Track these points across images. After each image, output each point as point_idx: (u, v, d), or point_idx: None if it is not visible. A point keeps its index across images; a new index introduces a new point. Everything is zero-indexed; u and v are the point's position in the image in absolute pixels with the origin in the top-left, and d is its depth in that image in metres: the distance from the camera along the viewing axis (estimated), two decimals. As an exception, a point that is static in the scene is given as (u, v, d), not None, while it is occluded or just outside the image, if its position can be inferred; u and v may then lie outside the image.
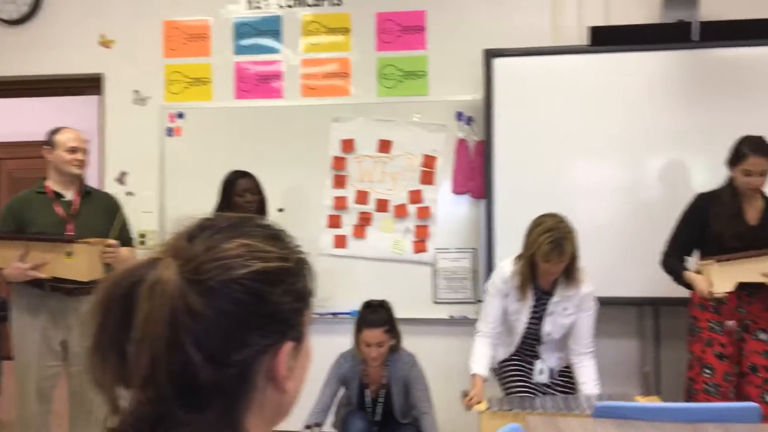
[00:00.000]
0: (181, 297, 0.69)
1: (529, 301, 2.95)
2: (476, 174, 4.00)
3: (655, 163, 3.79)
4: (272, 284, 0.75)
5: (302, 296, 0.79)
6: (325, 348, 3.79)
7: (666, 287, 3.65)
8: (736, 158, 3.03)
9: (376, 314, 3.13)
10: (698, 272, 3.08)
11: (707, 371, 3.00)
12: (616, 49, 3.75)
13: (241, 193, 3.49)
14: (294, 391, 0.79)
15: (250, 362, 0.73)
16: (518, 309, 2.97)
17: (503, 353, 3.08)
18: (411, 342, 3.89)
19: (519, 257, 2.94)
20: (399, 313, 3.88)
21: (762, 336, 3.03)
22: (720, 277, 2.93)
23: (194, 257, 0.73)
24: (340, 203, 4.11)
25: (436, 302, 4.05)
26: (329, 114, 4.12)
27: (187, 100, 4.29)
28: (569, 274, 2.87)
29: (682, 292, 3.62)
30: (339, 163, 4.12)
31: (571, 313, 2.95)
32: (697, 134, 3.71)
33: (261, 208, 3.56)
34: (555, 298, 2.93)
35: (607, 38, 3.73)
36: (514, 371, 3.05)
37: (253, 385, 0.75)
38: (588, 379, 2.91)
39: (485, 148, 3.89)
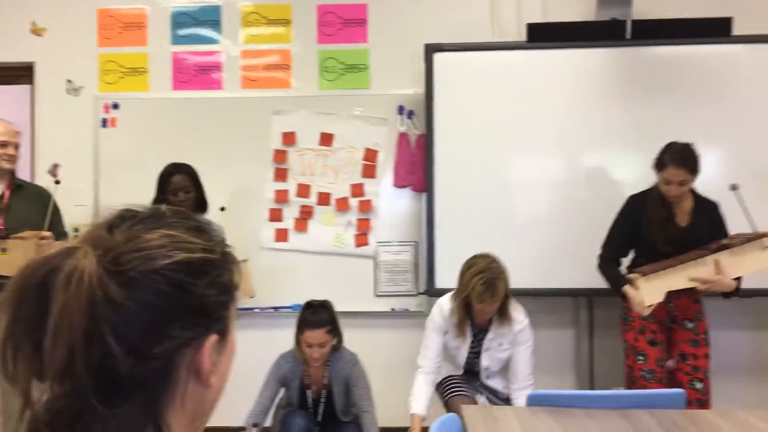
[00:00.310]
0: (101, 287, 0.67)
1: (468, 338, 3.04)
2: (417, 168, 4.02)
3: (592, 158, 3.88)
4: (196, 276, 0.73)
5: (227, 289, 0.77)
6: (267, 342, 3.80)
7: (600, 279, 3.75)
8: (657, 165, 3.07)
9: (317, 315, 3.11)
10: (629, 283, 3.10)
11: (641, 358, 3.10)
12: (552, 46, 3.82)
13: (173, 191, 3.41)
14: (218, 386, 0.78)
15: (172, 355, 0.72)
16: (458, 345, 3.07)
17: (447, 372, 3.18)
18: (353, 335, 3.89)
19: (455, 295, 3.01)
20: (340, 306, 3.88)
21: (689, 325, 3.14)
22: (648, 290, 2.98)
23: (114, 247, 0.71)
24: (282, 197, 4.08)
25: (378, 295, 4.07)
26: (270, 106, 4.08)
27: (122, 90, 4.18)
28: (502, 312, 2.96)
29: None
30: (280, 156, 4.09)
31: (507, 348, 3.04)
32: (631, 130, 3.81)
33: (198, 204, 3.49)
34: (490, 335, 3.02)
35: (544, 35, 3.81)
36: (458, 381, 3.13)
37: (176, 379, 0.73)
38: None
39: (426, 141, 3.91)
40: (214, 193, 4.06)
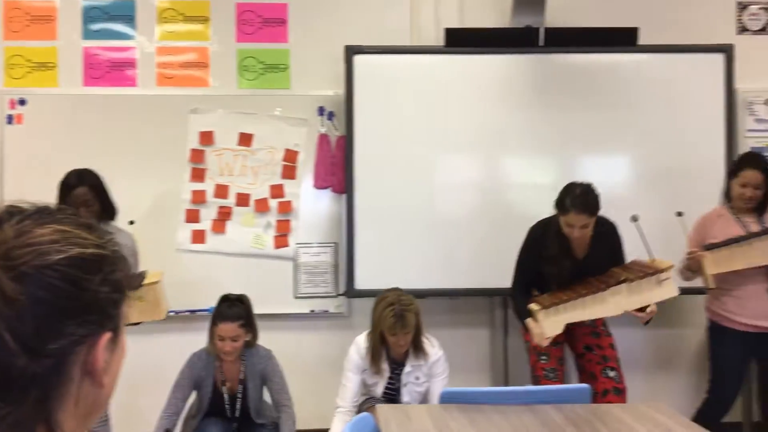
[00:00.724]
0: None
1: (386, 373, 3.07)
2: (338, 169, 4.02)
3: (508, 161, 3.98)
4: (89, 272, 0.72)
5: (120, 287, 0.76)
6: (183, 347, 3.72)
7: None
8: (559, 208, 3.06)
9: (232, 308, 3.10)
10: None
11: (543, 357, 3.18)
12: (469, 51, 3.90)
13: (75, 206, 3.09)
14: (110, 385, 0.77)
15: (66, 353, 0.70)
16: (376, 381, 3.08)
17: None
18: (272, 337, 3.86)
19: (370, 333, 3.06)
20: (259, 308, 3.84)
21: (587, 322, 3.24)
22: (548, 323, 3.00)
23: (3, 242, 0.69)
24: (199, 197, 4.00)
25: (297, 297, 4.04)
26: (187, 105, 3.99)
27: (29, 85, 4.00)
28: (416, 345, 3.03)
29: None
30: (197, 156, 4.01)
31: (424, 381, 3.07)
32: (545, 134, 3.93)
33: (104, 214, 3.25)
34: (407, 369, 3.06)
35: (461, 40, 3.88)
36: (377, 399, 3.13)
37: (69, 378, 0.71)
38: None
39: (346, 143, 3.92)
40: (128, 195, 3.95)
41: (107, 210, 3.30)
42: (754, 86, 4.20)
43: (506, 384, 3.96)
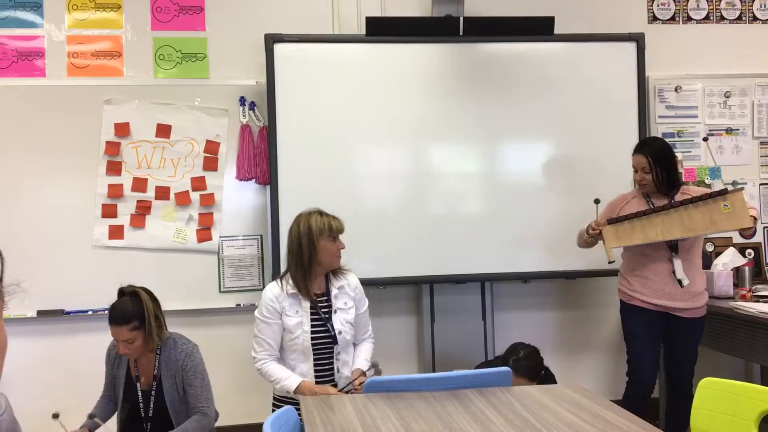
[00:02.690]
0: None
1: (307, 303, 2.84)
2: (261, 160, 3.96)
3: (431, 150, 4.00)
4: None
5: None
6: (102, 346, 3.60)
7: (439, 266, 3.91)
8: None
9: (120, 308, 2.80)
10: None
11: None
12: (390, 40, 3.90)
13: None
14: None
15: None
16: (299, 321, 2.82)
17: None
18: (198, 333, 3.77)
19: (283, 276, 2.90)
20: (184, 304, 3.79)
21: None
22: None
23: None
24: (115, 191, 3.87)
25: (223, 291, 3.97)
26: (100, 95, 3.85)
27: (-72, 76, 3.77)
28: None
29: (453, 271, 3.91)
30: (113, 148, 3.87)
31: (351, 307, 2.92)
32: (468, 124, 3.97)
33: None
34: (334, 292, 2.89)
35: (382, 29, 3.87)
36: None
37: None
38: (360, 356, 2.93)
39: (269, 133, 3.86)
40: (39, 190, 3.80)
41: None
42: (665, 74, 4.37)
43: (434, 370, 4.00)
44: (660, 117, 4.39)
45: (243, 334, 4.00)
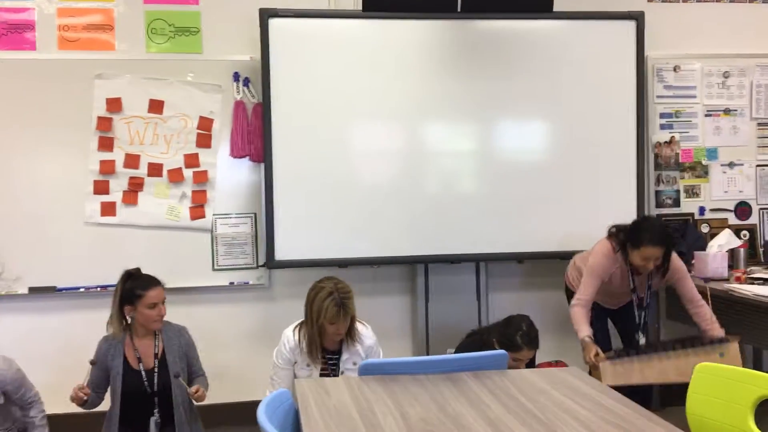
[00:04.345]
0: None
1: (319, 364, 2.98)
2: (255, 137, 3.91)
3: (428, 128, 3.94)
4: None
5: None
6: (95, 323, 3.58)
7: (434, 246, 3.89)
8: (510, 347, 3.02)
9: (148, 276, 3.10)
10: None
11: None
12: (387, 16, 3.83)
13: None
14: None
15: None
16: (309, 374, 2.98)
17: None
18: (191, 311, 3.81)
19: (302, 324, 3.01)
20: (176, 282, 3.76)
21: None
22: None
23: None
24: (107, 167, 3.82)
25: (216, 269, 3.94)
26: (91, 70, 3.78)
27: None
28: (350, 331, 2.98)
29: (448, 251, 3.90)
30: (104, 123, 3.81)
31: None
32: (465, 101, 3.92)
33: None
34: (344, 356, 2.99)
35: (379, 4, 3.80)
36: None
37: None
38: None
39: (263, 110, 3.81)
40: (30, 166, 3.75)
41: None
42: (664, 53, 4.32)
43: (428, 350, 4.00)
44: (658, 97, 4.36)
45: (237, 312, 4.00)
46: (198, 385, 3.03)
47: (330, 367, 3.00)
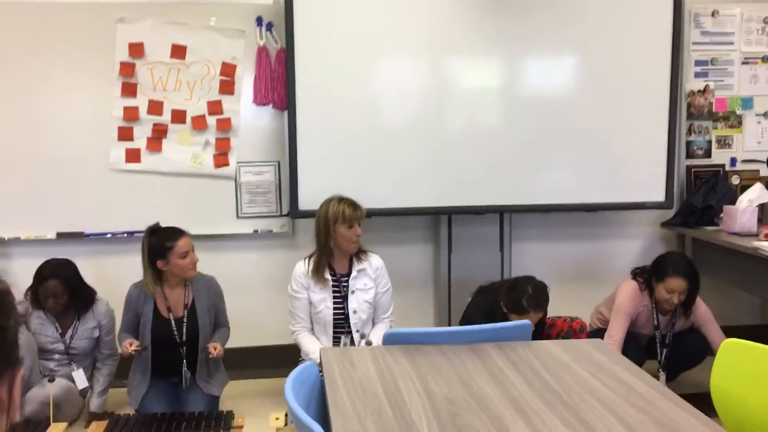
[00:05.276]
0: None
1: (330, 283, 3.15)
2: (278, 84, 3.85)
3: (457, 63, 3.82)
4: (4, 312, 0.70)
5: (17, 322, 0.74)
6: (121, 268, 3.66)
7: (458, 197, 3.86)
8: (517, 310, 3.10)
9: (174, 228, 3.20)
10: None
11: None
12: (414, -46, 3.69)
13: (44, 297, 3.25)
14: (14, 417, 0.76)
15: None
16: (323, 297, 3.14)
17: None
18: (215, 258, 3.85)
19: (311, 255, 3.21)
20: (201, 230, 3.80)
21: None
22: None
23: None
24: (131, 114, 3.80)
25: (240, 217, 3.96)
26: (113, 13, 3.71)
27: (-65, -9, 3.64)
28: (357, 252, 3.21)
29: (472, 202, 3.87)
30: (127, 69, 3.77)
31: (371, 287, 3.18)
32: (496, 37, 3.80)
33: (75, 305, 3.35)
34: (353, 274, 3.16)
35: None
36: None
37: None
38: (374, 338, 3.16)
39: (287, 56, 3.73)
40: (53, 112, 3.74)
41: (80, 300, 3.29)
42: (702, -4, 4.15)
43: (449, 300, 4.03)
44: (694, 44, 4.21)
45: (261, 260, 4.04)
46: (216, 343, 3.10)
47: (342, 287, 3.15)
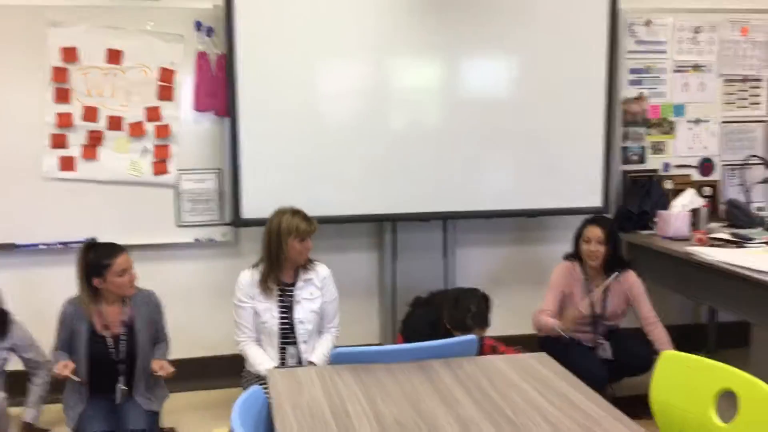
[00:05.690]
0: None
1: (275, 293, 3.10)
2: (219, 90, 3.78)
3: (401, 67, 3.82)
4: None
5: None
6: (56, 280, 3.53)
7: (402, 203, 3.87)
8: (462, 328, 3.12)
9: (115, 244, 3.05)
10: None
11: None
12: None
13: None
14: None
15: None
16: (268, 307, 3.10)
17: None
18: (155, 268, 3.76)
19: (256, 264, 3.16)
20: (140, 239, 3.71)
21: None
22: None
23: None
24: (65, 120, 3.67)
25: (181, 226, 3.87)
26: (45, 17, 3.57)
27: None
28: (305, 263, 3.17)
29: (416, 209, 3.88)
30: (60, 74, 3.64)
31: (318, 297, 3.15)
32: (438, 40, 3.81)
33: None
34: (300, 284, 3.13)
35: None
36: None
37: None
38: (317, 349, 3.16)
39: (228, 61, 3.67)
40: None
41: None
42: (637, 6, 4.26)
43: (394, 307, 4.03)
44: (629, 52, 4.32)
45: (203, 269, 3.97)
46: (162, 361, 3.02)
47: (287, 298, 3.11)
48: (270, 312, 3.10)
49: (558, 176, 4.04)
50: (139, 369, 3.06)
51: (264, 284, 3.10)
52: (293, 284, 3.15)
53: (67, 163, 3.71)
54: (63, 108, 3.66)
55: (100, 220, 3.73)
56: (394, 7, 3.76)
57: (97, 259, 2.93)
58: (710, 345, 4.44)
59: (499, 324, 3.44)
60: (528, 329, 3.60)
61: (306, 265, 3.18)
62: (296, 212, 3.11)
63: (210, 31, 3.77)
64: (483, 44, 3.89)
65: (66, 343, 3.04)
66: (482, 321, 3.06)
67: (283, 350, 3.13)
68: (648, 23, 4.32)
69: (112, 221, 3.74)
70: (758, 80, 4.47)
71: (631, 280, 3.48)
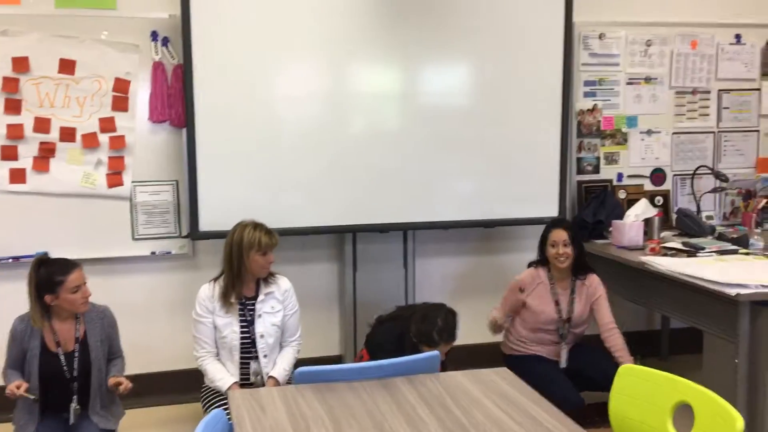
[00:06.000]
0: None
1: (236, 307, 3.07)
2: (176, 100, 3.73)
3: (360, 74, 3.82)
4: None
5: None
6: (8, 297, 3.42)
7: (362, 215, 3.87)
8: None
9: (67, 260, 2.94)
10: None
11: None
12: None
13: None
14: None
15: None
16: (228, 321, 3.07)
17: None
18: (111, 281, 3.70)
19: (216, 278, 3.13)
20: (94, 253, 3.64)
21: None
22: None
23: None
24: (15, 132, 3.57)
25: (136, 238, 3.80)
26: (-6, 26, 3.48)
27: None
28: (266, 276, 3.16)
29: (376, 219, 3.89)
30: (11, 84, 3.54)
31: (279, 310, 3.13)
32: (394, 42, 3.82)
33: None
34: (260, 298, 3.11)
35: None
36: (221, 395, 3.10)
37: None
38: (279, 364, 3.14)
39: (185, 71, 3.62)
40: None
41: None
42: (590, 19, 4.35)
43: (354, 318, 4.03)
44: (583, 64, 4.40)
45: (159, 282, 3.90)
46: (120, 377, 2.95)
47: (248, 312, 3.09)
48: (230, 327, 3.07)
49: (515, 186, 4.09)
50: (94, 387, 2.98)
51: (225, 298, 3.06)
52: (254, 298, 3.12)
53: (17, 175, 3.61)
54: (13, 119, 3.57)
55: (53, 234, 3.64)
56: (354, 14, 3.76)
57: (49, 275, 2.84)
58: (664, 351, 4.54)
59: (461, 333, 3.45)
60: (489, 338, 3.64)
61: (267, 278, 3.15)
62: (258, 225, 3.09)
63: (166, 41, 3.71)
64: (443, 52, 3.92)
65: (17, 362, 2.95)
66: (449, 336, 3.07)
67: (243, 365, 3.10)
68: (601, 36, 4.41)
69: (65, 235, 3.65)
70: (707, 92, 4.61)
71: (596, 282, 3.53)
